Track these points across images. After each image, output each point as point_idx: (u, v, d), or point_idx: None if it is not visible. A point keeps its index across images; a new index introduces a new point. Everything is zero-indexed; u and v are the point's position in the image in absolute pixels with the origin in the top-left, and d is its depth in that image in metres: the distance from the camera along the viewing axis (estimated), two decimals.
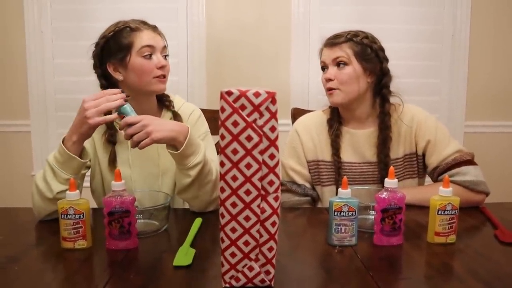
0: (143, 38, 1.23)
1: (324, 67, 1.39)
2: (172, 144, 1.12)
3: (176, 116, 1.33)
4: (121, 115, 1.10)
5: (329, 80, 1.35)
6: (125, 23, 1.25)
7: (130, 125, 1.08)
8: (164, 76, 1.27)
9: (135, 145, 1.08)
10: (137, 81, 1.24)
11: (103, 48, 1.25)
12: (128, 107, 1.11)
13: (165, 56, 1.29)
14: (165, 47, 1.29)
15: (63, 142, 1.10)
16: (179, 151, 1.11)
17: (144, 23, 1.27)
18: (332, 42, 1.35)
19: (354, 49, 1.33)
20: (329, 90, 1.35)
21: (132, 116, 1.10)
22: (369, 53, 1.34)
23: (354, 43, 1.33)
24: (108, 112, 1.10)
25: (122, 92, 1.12)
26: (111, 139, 1.27)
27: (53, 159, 1.11)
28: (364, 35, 1.35)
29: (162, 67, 1.25)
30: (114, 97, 1.09)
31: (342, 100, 1.35)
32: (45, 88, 2.52)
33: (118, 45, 1.23)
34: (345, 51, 1.33)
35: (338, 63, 1.33)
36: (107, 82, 1.28)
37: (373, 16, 2.48)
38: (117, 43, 1.23)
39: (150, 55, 1.24)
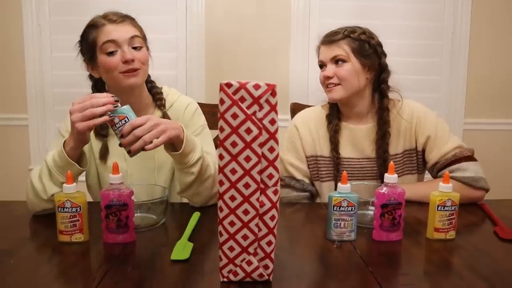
0: (104, 33, 1.18)
1: (322, 65, 1.38)
2: (175, 142, 1.09)
3: (165, 117, 1.26)
4: (112, 117, 1.03)
5: (328, 77, 1.34)
6: (92, 21, 1.22)
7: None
8: (134, 70, 1.18)
9: (142, 145, 1.02)
10: (107, 78, 1.22)
11: (80, 48, 1.25)
12: (125, 108, 1.04)
13: (137, 48, 1.20)
14: (133, 37, 1.19)
15: (64, 145, 1.07)
16: (180, 150, 1.09)
17: (108, 17, 1.20)
18: (330, 39, 1.34)
19: (352, 46, 1.32)
20: (328, 86, 1.35)
21: (138, 118, 1.04)
22: (367, 49, 1.33)
23: (351, 40, 1.32)
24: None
25: (113, 97, 1.04)
26: (101, 132, 1.26)
27: (51, 161, 1.08)
28: (362, 31, 1.34)
29: (127, 62, 1.17)
30: (100, 101, 1.02)
31: (341, 96, 1.34)
32: (43, 82, 2.51)
33: (86, 44, 1.22)
34: (343, 48, 1.32)
35: (337, 61, 1.33)
36: (93, 79, 1.29)
37: (373, 12, 2.47)
38: (86, 42, 1.22)
39: (114, 51, 1.17)
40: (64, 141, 1.08)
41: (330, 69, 1.34)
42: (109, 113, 1.03)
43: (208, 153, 1.25)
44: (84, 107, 1.02)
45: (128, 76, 1.18)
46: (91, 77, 1.29)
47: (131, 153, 1.05)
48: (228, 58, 2.52)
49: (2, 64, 2.51)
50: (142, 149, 1.03)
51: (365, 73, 1.34)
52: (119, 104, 1.04)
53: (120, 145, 1.05)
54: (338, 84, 1.33)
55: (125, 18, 1.22)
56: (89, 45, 1.21)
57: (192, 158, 1.12)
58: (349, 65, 1.32)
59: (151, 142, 1.03)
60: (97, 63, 1.21)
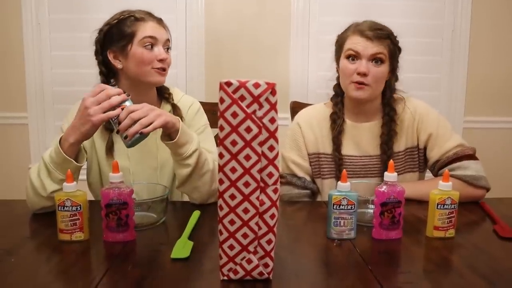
0: (147, 28, 1.23)
1: (353, 57, 1.29)
2: (171, 131, 1.11)
3: (175, 109, 1.32)
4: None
5: (363, 74, 1.27)
6: (130, 12, 1.24)
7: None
8: (164, 69, 1.26)
9: (140, 128, 1.03)
10: (136, 71, 1.23)
11: (105, 35, 1.25)
12: (130, 103, 1.09)
13: (167, 49, 1.28)
14: (168, 40, 1.28)
15: (59, 141, 1.08)
16: (175, 139, 1.11)
17: (150, 14, 1.26)
18: (377, 34, 1.27)
19: (390, 48, 1.30)
20: (359, 83, 1.28)
21: (134, 104, 1.08)
22: (397, 54, 1.33)
23: (391, 42, 1.30)
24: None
25: (124, 92, 1.10)
26: (109, 126, 1.26)
27: (48, 158, 1.09)
28: (395, 35, 1.32)
29: (162, 60, 1.24)
30: (114, 91, 1.07)
31: (368, 97, 1.31)
32: (43, 81, 2.51)
33: (120, 33, 1.23)
34: (385, 48, 1.28)
35: (376, 59, 1.28)
36: (106, 69, 1.28)
37: (373, 10, 2.47)
38: (120, 30, 1.23)
39: (152, 46, 1.23)
40: (61, 138, 1.08)
41: (366, 65, 1.27)
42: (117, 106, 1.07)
43: (210, 151, 1.26)
44: (100, 99, 1.05)
45: (159, 73, 1.25)
46: (105, 66, 1.29)
47: (128, 139, 1.05)
48: (228, 56, 2.52)
49: (2, 62, 2.51)
50: (140, 134, 1.04)
51: (387, 77, 1.33)
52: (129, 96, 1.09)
53: (118, 132, 1.07)
54: (368, 85, 1.28)
55: (162, 21, 1.28)
56: (125, 34, 1.22)
57: (188, 150, 1.14)
58: (384, 67, 1.29)
59: (147, 126, 1.05)
60: (128, 53, 1.22)
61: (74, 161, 1.08)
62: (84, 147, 1.27)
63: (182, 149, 1.13)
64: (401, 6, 2.50)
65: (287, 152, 1.42)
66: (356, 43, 1.29)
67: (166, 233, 1.06)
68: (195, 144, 1.15)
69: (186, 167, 1.15)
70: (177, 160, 1.16)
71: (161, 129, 1.12)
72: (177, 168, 1.18)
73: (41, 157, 1.11)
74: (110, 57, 1.25)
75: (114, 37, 1.23)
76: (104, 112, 1.05)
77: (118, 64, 1.24)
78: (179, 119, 1.14)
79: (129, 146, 1.08)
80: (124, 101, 1.08)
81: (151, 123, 1.05)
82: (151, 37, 1.22)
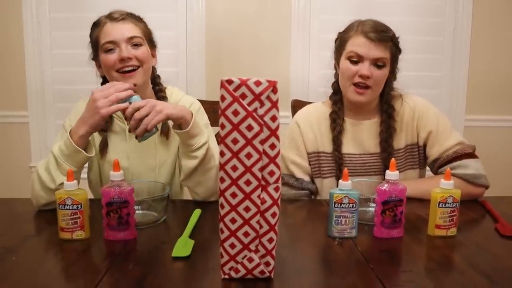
0: (104, 33, 1.22)
1: (356, 60, 1.28)
2: (180, 122, 1.12)
3: None
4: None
5: (366, 77, 1.26)
6: (97, 19, 1.25)
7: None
8: (133, 69, 1.21)
9: (144, 127, 1.06)
10: (107, 77, 1.25)
11: (91, 45, 1.28)
12: (137, 98, 1.11)
13: (136, 45, 1.22)
14: (134, 37, 1.22)
15: (69, 134, 1.10)
16: (187, 129, 1.11)
17: (109, 15, 1.24)
18: (381, 37, 1.25)
19: (392, 51, 1.29)
20: (360, 87, 1.28)
21: (138, 101, 1.10)
22: (398, 56, 1.33)
23: (393, 44, 1.29)
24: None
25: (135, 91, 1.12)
26: (104, 127, 1.27)
27: (58, 151, 1.10)
28: (397, 36, 1.31)
29: (122, 59, 1.19)
30: (123, 87, 1.09)
31: (368, 101, 1.31)
32: (43, 79, 2.51)
33: (92, 43, 1.26)
34: (388, 51, 1.27)
35: (377, 63, 1.27)
36: (102, 76, 1.31)
37: (374, 8, 2.46)
38: (91, 40, 1.26)
39: (112, 49, 1.21)
40: (70, 131, 1.10)
41: (369, 68, 1.26)
42: (124, 101, 1.10)
43: (213, 149, 1.26)
44: (108, 93, 1.08)
45: (125, 77, 1.21)
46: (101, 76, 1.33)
47: (138, 138, 1.10)
48: (228, 55, 2.52)
49: (2, 61, 2.51)
50: (146, 130, 1.08)
51: (387, 76, 1.33)
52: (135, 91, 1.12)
53: (129, 130, 1.11)
54: (369, 87, 1.27)
55: (127, 17, 1.24)
56: (93, 43, 1.25)
57: (198, 142, 1.15)
58: (386, 69, 1.28)
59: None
60: (100, 61, 1.25)
61: (84, 152, 1.09)
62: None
63: (193, 140, 1.14)
64: (402, 4, 2.49)
65: (287, 152, 1.41)
66: (359, 45, 1.27)
67: (167, 232, 1.06)
68: (205, 138, 1.16)
69: (193, 159, 1.16)
70: (185, 152, 1.17)
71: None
72: (184, 160, 1.18)
73: (50, 151, 1.12)
74: (96, 66, 1.28)
75: (91, 47, 1.27)
76: (112, 105, 1.07)
77: (101, 72, 1.28)
78: (191, 112, 1.15)
79: (140, 141, 1.11)
80: (131, 96, 1.10)
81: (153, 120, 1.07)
82: (108, 42, 1.21)
